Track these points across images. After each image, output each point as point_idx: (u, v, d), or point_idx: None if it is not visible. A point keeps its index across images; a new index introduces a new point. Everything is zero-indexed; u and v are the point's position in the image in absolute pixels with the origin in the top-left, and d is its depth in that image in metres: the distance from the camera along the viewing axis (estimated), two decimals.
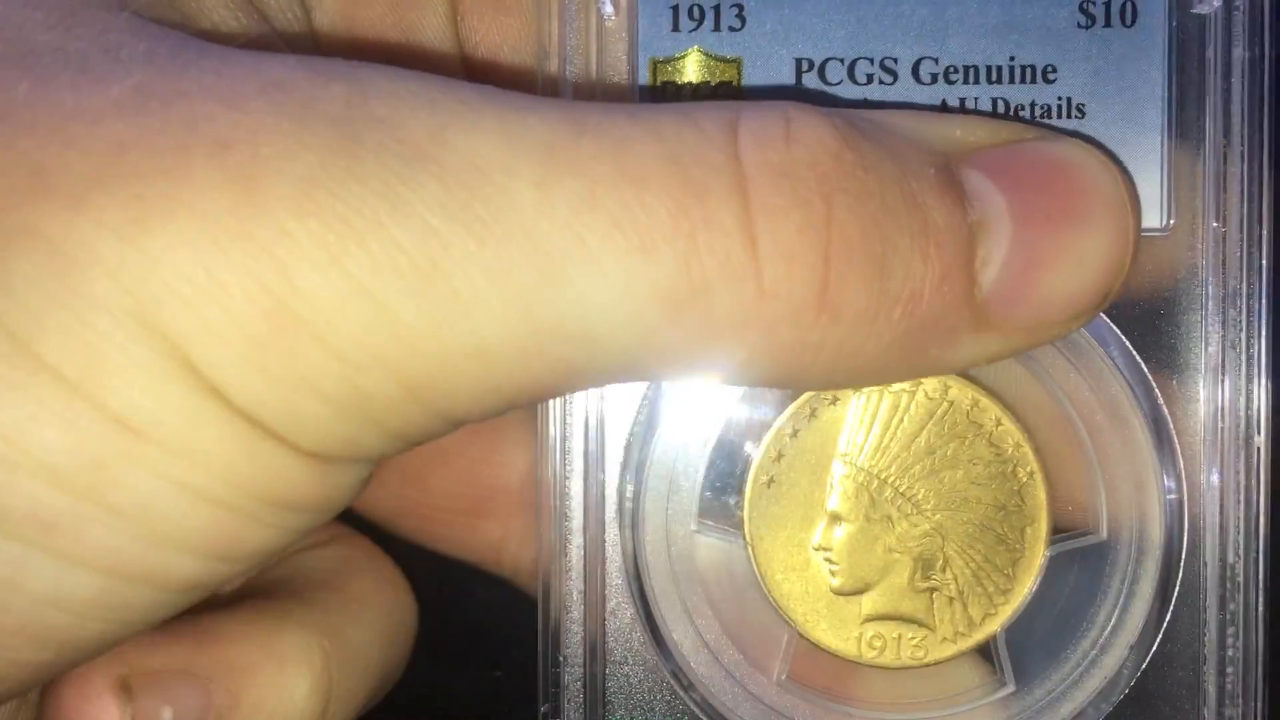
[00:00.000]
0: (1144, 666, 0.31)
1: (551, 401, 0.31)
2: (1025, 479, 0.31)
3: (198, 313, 0.23)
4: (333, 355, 0.23)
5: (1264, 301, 0.31)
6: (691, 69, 0.31)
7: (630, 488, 0.31)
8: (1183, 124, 0.31)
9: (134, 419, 0.23)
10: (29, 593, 0.23)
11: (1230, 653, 0.31)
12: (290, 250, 0.23)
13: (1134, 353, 0.31)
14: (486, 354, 0.24)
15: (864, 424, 0.31)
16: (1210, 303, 0.31)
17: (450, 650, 0.37)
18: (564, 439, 0.31)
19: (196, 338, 0.23)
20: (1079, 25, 0.31)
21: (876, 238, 0.25)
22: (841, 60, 0.31)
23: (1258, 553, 0.31)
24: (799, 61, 0.31)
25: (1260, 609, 0.31)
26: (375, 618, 0.34)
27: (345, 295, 0.23)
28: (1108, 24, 0.31)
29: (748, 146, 0.24)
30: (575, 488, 0.31)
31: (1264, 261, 0.31)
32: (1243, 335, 0.31)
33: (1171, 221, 0.31)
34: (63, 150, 0.23)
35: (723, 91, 0.31)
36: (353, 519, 0.38)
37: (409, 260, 0.23)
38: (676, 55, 0.31)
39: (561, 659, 0.31)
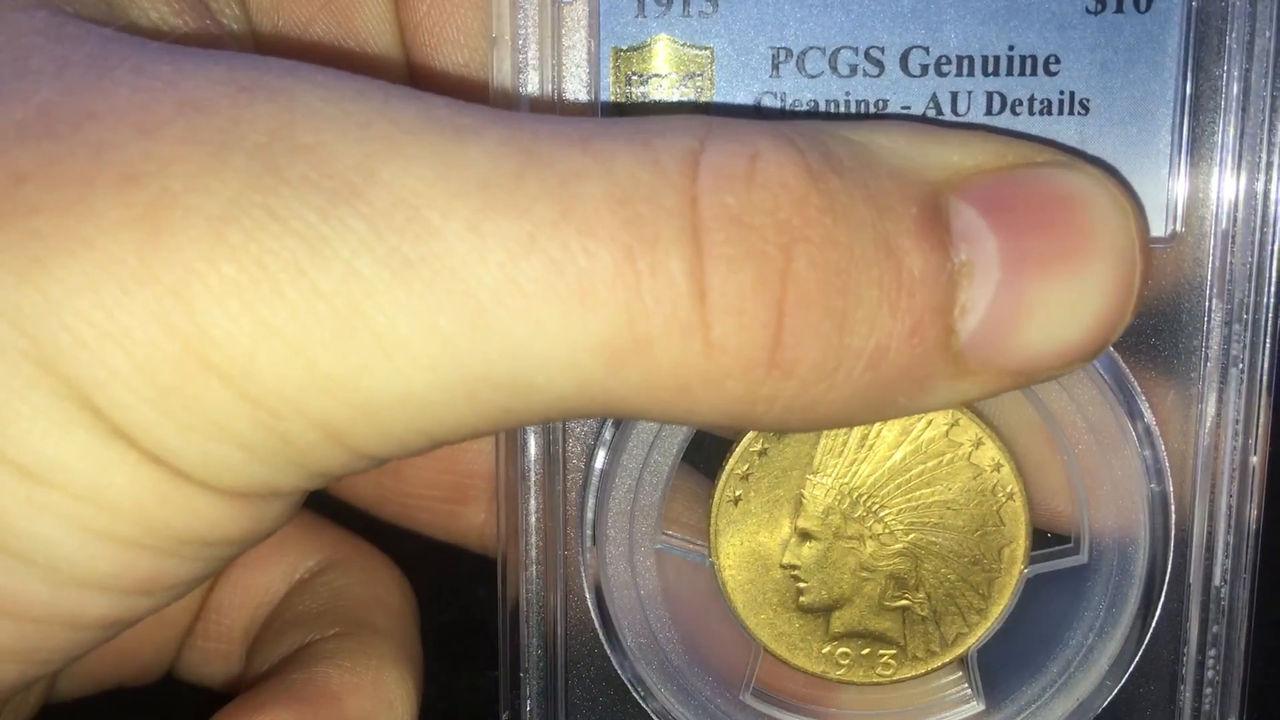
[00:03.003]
0: (1119, 687, 0.30)
1: None
2: (1005, 499, 0.29)
3: (100, 358, 0.21)
4: (246, 401, 0.22)
5: (1271, 317, 0.28)
6: (658, 59, 0.28)
7: (594, 501, 0.30)
8: (1196, 123, 0.28)
9: (35, 466, 0.22)
10: None
11: (1210, 674, 0.30)
12: (200, 294, 0.21)
13: (1125, 368, 0.29)
14: (412, 401, 0.22)
15: (836, 441, 0.29)
16: (1213, 316, 0.29)
17: (450, 650, 0.37)
18: (525, 451, 0.30)
19: (100, 383, 0.21)
20: (1088, 10, 0.28)
21: (837, 290, 0.23)
22: (823, 50, 0.28)
23: (1247, 577, 0.29)
24: (776, 51, 0.28)
25: (1245, 633, 0.30)
26: (415, 628, 0.34)
27: (258, 341, 0.21)
28: (1119, 9, 0.28)
29: (707, 188, 0.22)
30: (536, 501, 0.30)
31: (1274, 274, 0.28)
32: (1246, 352, 0.29)
33: (1176, 229, 0.28)
34: None
35: (693, 84, 0.28)
36: (333, 502, 0.37)
37: (328, 305, 0.21)
38: (642, 43, 0.28)
39: (523, 674, 0.30)
